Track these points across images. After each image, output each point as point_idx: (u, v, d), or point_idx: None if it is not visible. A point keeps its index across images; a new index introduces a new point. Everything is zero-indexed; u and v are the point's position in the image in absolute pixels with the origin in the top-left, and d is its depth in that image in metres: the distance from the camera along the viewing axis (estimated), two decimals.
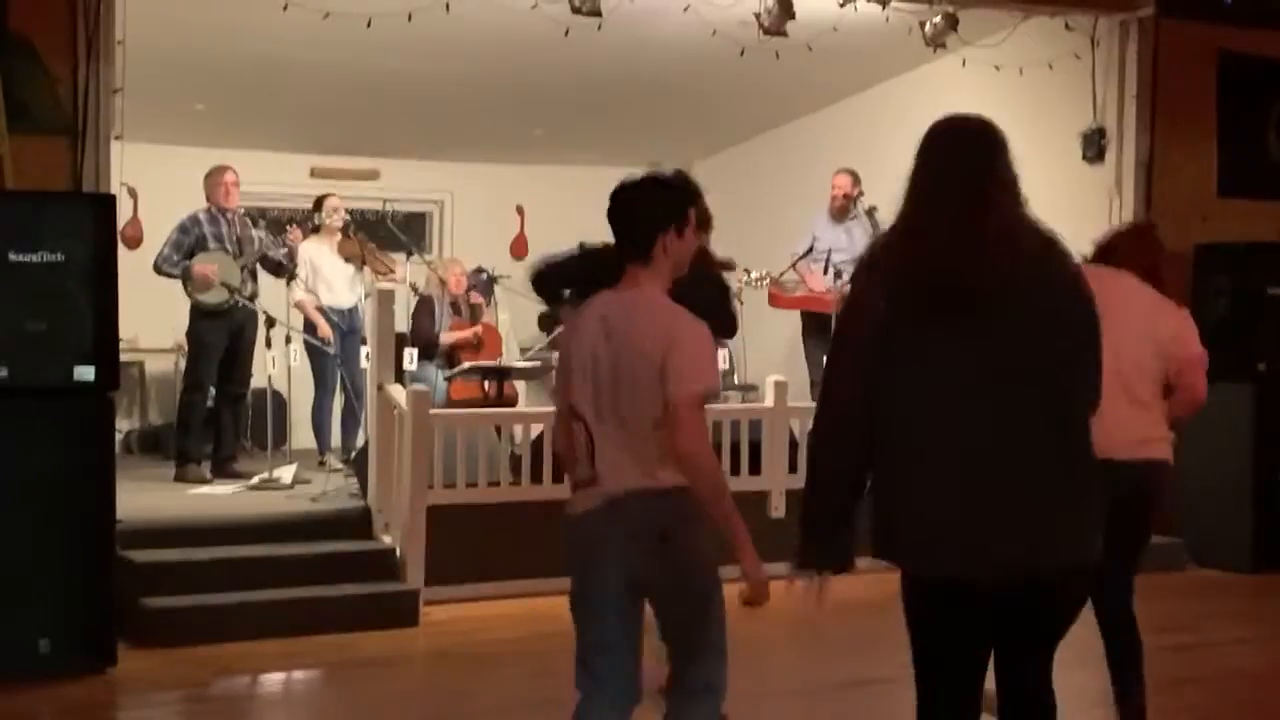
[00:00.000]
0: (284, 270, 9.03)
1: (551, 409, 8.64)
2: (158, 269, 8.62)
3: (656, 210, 3.75)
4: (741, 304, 10.00)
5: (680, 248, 3.75)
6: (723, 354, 9.87)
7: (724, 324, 6.19)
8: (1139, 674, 4.79)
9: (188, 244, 8.63)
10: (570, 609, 3.78)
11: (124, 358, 7.03)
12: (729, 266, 9.72)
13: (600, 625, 3.73)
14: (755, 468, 8.07)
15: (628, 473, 3.63)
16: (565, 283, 5.82)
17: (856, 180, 9.87)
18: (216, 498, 8.10)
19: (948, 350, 3.05)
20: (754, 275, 9.85)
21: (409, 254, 10.27)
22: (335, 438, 9.50)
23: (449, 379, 9.22)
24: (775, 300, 10.03)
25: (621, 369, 3.64)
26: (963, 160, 3.15)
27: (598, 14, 7.89)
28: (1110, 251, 5.07)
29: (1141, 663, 4.79)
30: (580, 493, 3.74)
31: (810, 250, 9.85)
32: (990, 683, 3.36)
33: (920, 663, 3.28)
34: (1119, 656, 4.82)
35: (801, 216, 10.20)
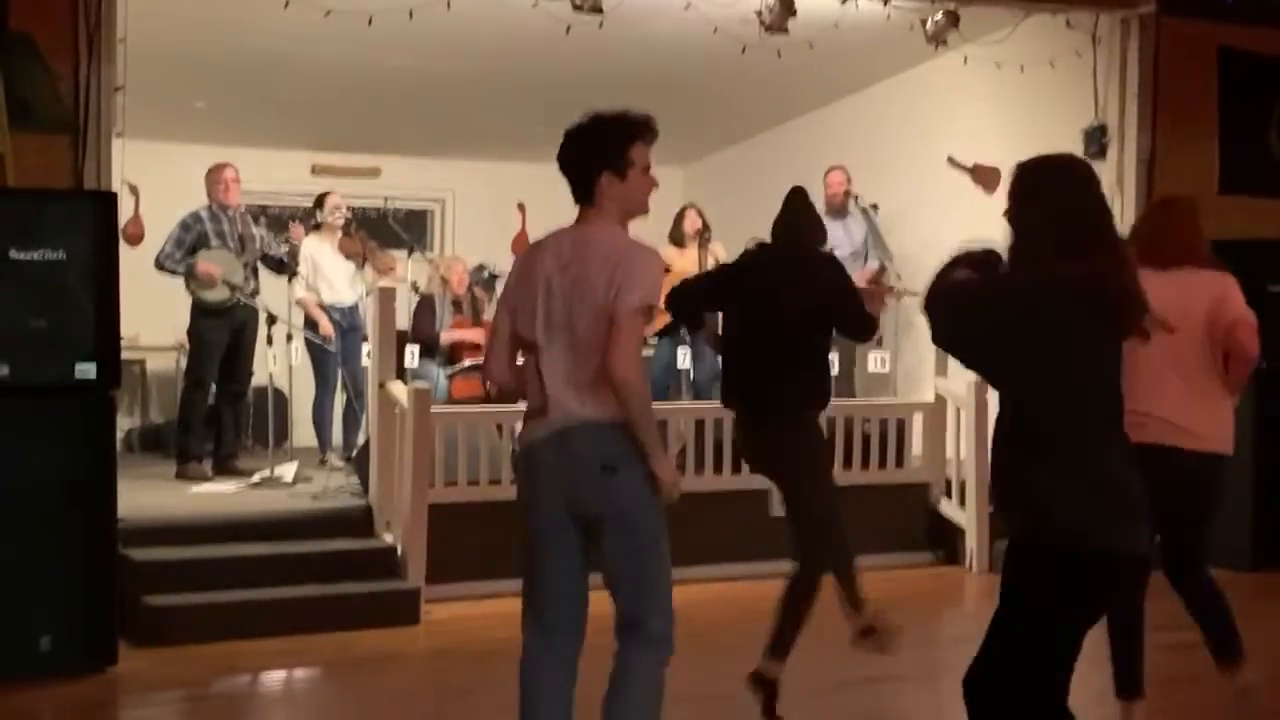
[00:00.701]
0: (285, 268, 9.03)
1: None
2: (160, 266, 8.62)
3: (591, 153, 3.79)
4: None
5: (623, 190, 3.78)
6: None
7: (861, 323, 5.51)
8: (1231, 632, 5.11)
9: (189, 241, 8.63)
10: (523, 548, 3.87)
11: (125, 356, 7.02)
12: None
13: (548, 564, 3.82)
14: None
15: (575, 403, 3.68)
16: (703, 303, 5.77)
17: (849, 176, 9.90)
18: (218, 496, 8.10)
19: (1111, 354, 3.43)
20: None
21: (410, 252, 10.27)
22: (336, 436, 9.50)
23: (450, 377, 9.22)
24: None
25: (573, 297, 3.69)
26: (1100, 197, 3.58)
27: (599, 11, 7.89)
28: (1149, 242, 5.12)
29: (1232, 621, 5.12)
30: (530, 423, 3.80)
31: None
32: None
33: (1060, 642, 3.36)
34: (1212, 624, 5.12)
35: None
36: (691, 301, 5.58)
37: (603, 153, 3.78)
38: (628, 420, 3.65)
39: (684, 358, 9.31)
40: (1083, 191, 3.52)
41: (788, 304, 5.22)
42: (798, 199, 5.86)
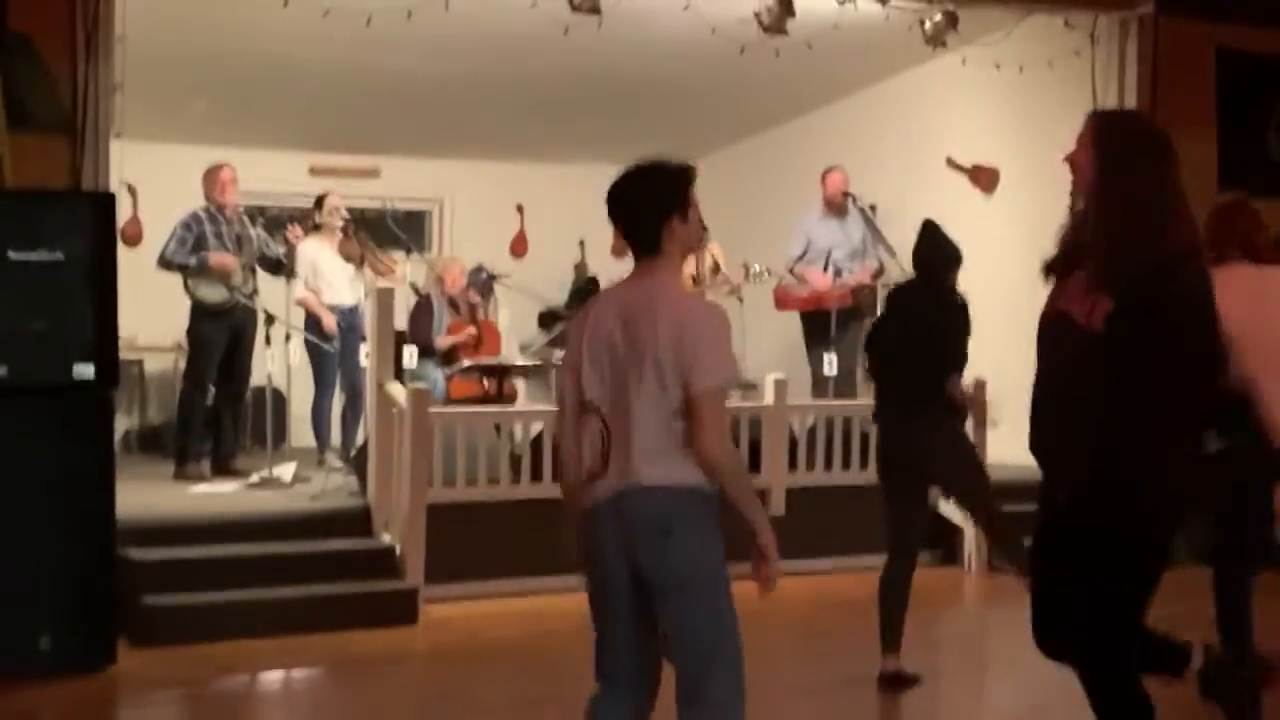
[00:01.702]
0: (282, 268, 9.03)
1: (552, 407, 8.69)
2: (168, 263, 8.60)
3: (656, 201, 3.73)
4: (741, 301, 10.04)
5: (686, 232, 3.75)
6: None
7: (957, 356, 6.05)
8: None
9: (192, 240, 8.62)
10: (589, 604, 3.80)
11: (124, 356, 7.02)
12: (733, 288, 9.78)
13: (610, 622, 3.74)
14: (755, 466, 8.07)
15: (635, 466, 3.61)
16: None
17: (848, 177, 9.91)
18: (216, 496, 8.10)
19: None
20: (755, 269, 9.83)
21: (409, 252, 10.26)
22: (335, 436, 9.50)
23: (449, 377, 9.22)
24: (782, 303, 10.04)
25: (636, 361, 3.62)
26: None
27: (597, 12, 7.89)
28: (1220, 241, 5.11)
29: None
30: (591, 485, 3.73)
31: (805, 253, 9.86)
32: None
33: (1139, 606, 3.70)
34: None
35: (798, 216, 10.19)
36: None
37: (670, 197, 3.74)
38: (696, 486, 3.60)
39: None
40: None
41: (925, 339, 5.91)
42: (931, 233, 6.41)
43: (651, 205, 3.73)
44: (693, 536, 3.62)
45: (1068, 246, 3.73)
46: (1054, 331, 3.68)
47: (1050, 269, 3.78)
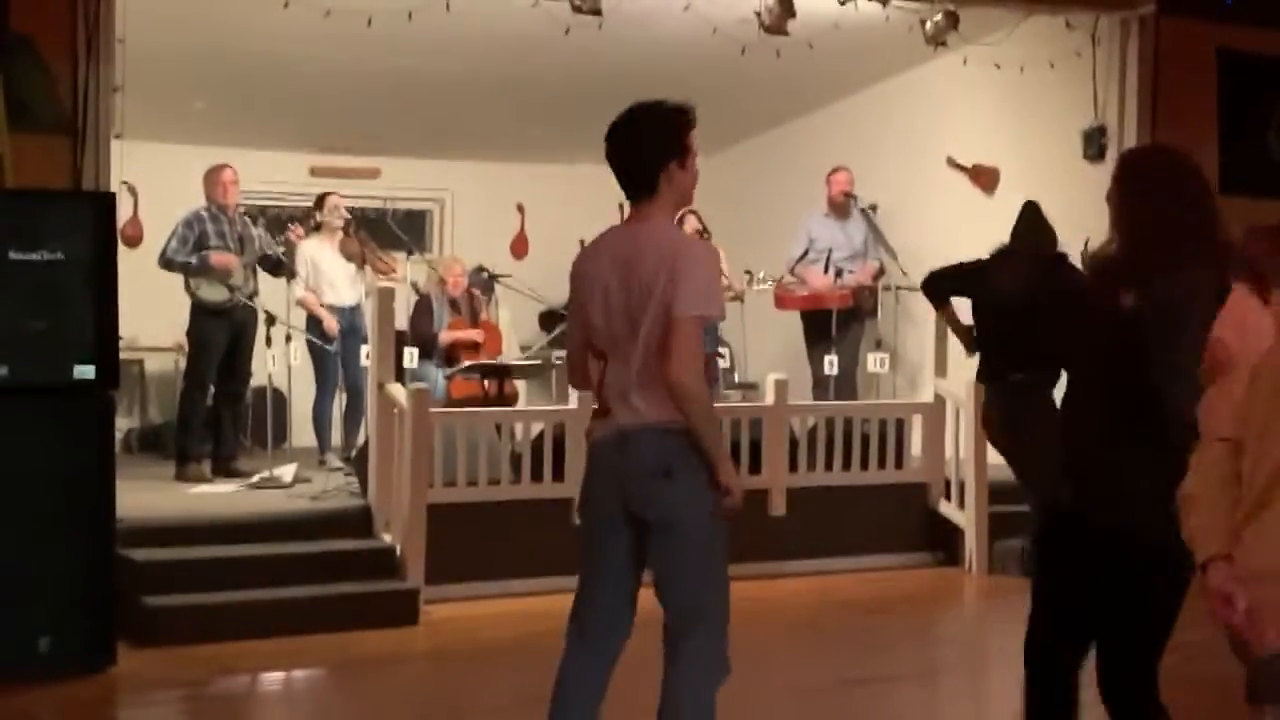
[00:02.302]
0: (282, 269, 9.02)
1: (553, 407, 8.69)
2: (168, 262, 8.59)
3: (656, 143, 3.73)
4: (742, 301, 10.04)
5: (684, 179, 3.74)
6: (724, 351, 9.91)
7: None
8: None
9: (193, 239, 8.62)
10: (579, 548, 3.82)
11: (124, 356, 7.02)
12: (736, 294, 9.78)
13: (596, 565, 3.75)
14: (755, 466, 8.07)
15: (637, 406, 3.64)
16: (957, 287, 7.34)
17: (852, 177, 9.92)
18: (217, 496, 8.10)
19: None
20: (759, 276, 9.84)
21: (409, 253, 10.26)
22: (336, 436, 9.50)
23: (449, 377, 9.22)
24: (782, 302, 10.04)
25: (631, 302, 3.63)
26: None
27: (598, 12, 7.89)
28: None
29: None
30: (596, 423, 3.77)
31: (806, 253, 9.86)
32: None
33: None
34: None
35: (802, 215, 10.20)
36: (941, 285, 7.47)
37: (669, 141, 3.71)
38: (688, 425, 3.61)
39: None
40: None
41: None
42: (1033, 213, 7.05)
43: (650, 147, 3.72)
44: (693, 480, 3.62)
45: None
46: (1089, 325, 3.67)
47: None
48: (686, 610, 3.66)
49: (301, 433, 9.46)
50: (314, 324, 9.30)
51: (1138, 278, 3.49)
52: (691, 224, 9.75)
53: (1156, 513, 3.23)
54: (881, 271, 9.98)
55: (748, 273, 9.84)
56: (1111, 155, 9.14)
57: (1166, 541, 3.16)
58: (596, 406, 3.81)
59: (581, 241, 12.80)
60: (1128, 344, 3.43)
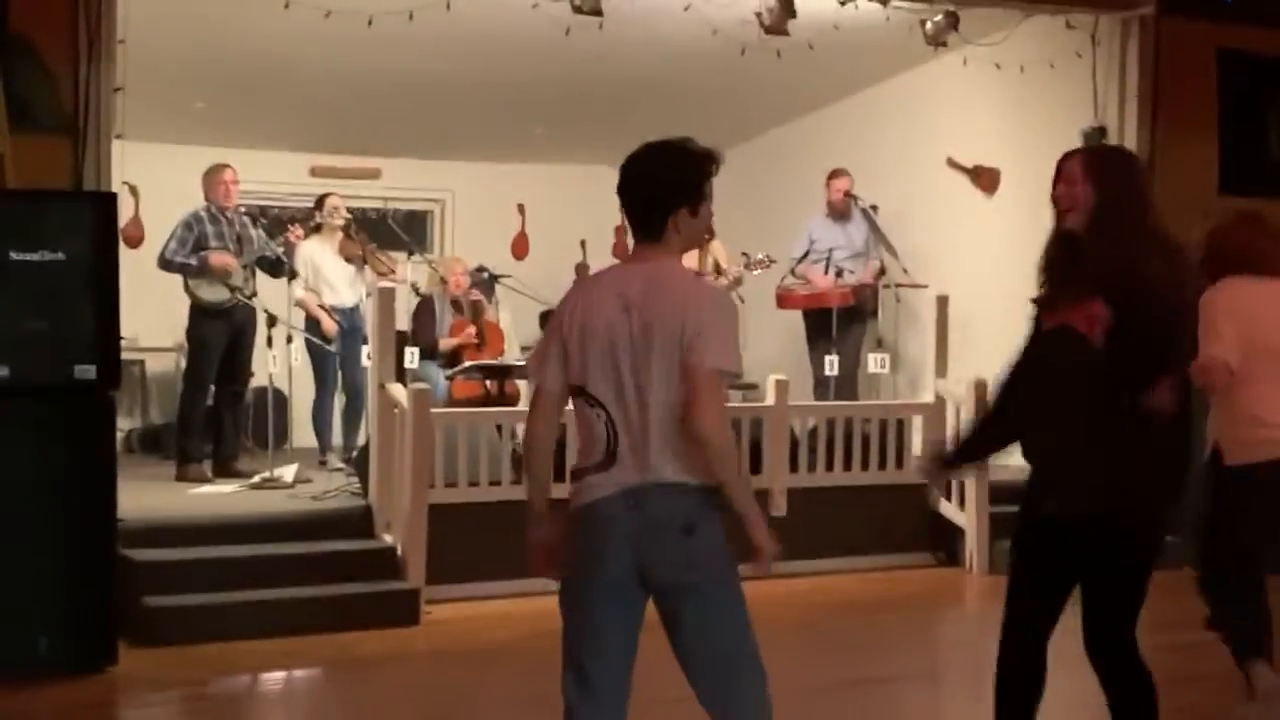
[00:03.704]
0: (281, 269, 9.02)
1: None
2: (167, 263, 8.60)
3: (668, 188, 3.49)
4: (742, 301, 10.04)
5: (693, 226, 3.52)
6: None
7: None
8: None
9: (192, 240, 8.62)
10: (563, 606, 3.58)
11: (125, 357, 7.01)
12: (736, 282, 9.74)
13: (600, 622, 3.49)
14: (756, 466, 8.07)
15: (652, 461, 3.41)
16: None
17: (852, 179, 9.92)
18: (217, 497, 8.10)
19: None
20: (757, 258, 9.79)
21: (410, 253, 10.27)
22: (336, 437, 9.50)
23: (450, 378, 9.22)
24: (783, 301, 10.04)
25: (645, 347, 3.40)
26: None
27: (599, 13, 7.89)
28: (1229, 256, 5.20)
29: None
30: (591, 478, 3.51)
31: (807, 253, 9.86)
32: None
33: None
34: None
35: (802, 215, 10.20)
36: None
37: (683, 187, 3.48)
38: (716, 481, 3.42)
39: None
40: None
41: None
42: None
43: (662, 192, 3.50)
44: (715, 534, 3.45)
45: (1055, 275, 3.78)
46: (1058, 342, 3.71)
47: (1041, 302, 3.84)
48: (730, 663, 3.48)
49: (302, 433, 9.47)
50: (314, 324, 9.30)
51: (1115, 288, 3.63)
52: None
53: (1132, 496, 3.66)
54: (883, 271, 9.99)
55: (744, 254, 9.81)
56: None
57: (1152, 519, 3.71)
58: (582, 460, 3.56)
59: (583, 243, 12.85)
60: (1102, 363, 3.61)
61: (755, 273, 9.85)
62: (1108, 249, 3.68)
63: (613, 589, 3.47)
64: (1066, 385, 3.68)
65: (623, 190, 3.54)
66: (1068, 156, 3.94)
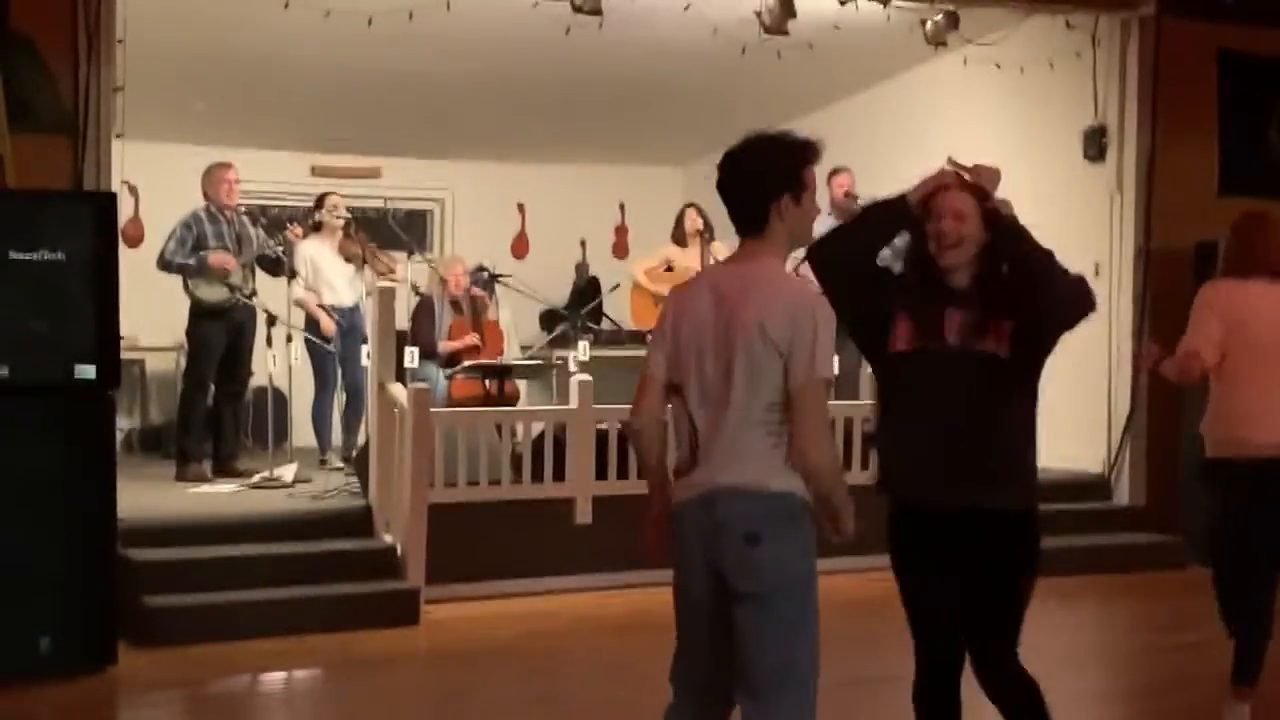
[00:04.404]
0: (280, 268, 9.02)
1: (554, 407, 8.68)
2: (167, 264, 8.59)
3: (767, 175, 3.41)
4: None
5: (799, 216, 3.44)
6: None
7: None
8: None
9: (191, 240, 8.62)
10: (674, 603, 3.55)
11: (124, 356, 7.02)
12: None
13: (689, 626, 3.49)
14: None
15: (726, 466, 3.36)
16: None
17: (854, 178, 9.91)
18: (217, 496, 8.10)
19: None
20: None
21: (410, 253, 10.27)
22: (336, 436, 9.50)
23: (450, 377, 9.22)
24: None
25: (730, 348, 3.35)
26: None
27: (598, 12, 7.89)
28: (1243, 255, 5.20)
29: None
30: (680, 482, 3.48)
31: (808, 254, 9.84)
32: None
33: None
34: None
35: None
36: None
37: (784, 173, 3.41)
38: (802, 488, 3.37)
39: None
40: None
41: None
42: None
43: (761, 180, 3.41)
44: (784, 546, 3.38)
45: (925, 283, 3.74)
46: (935, 362, 3.70)
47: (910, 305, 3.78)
48: (771, 682, 3.42)
49: (302, 433, 9.46)
50: (314, 324, 9.29)
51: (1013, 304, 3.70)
52: (694, 220, 9.75)
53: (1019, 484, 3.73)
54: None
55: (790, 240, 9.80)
56: (1112, 156, 9.16)
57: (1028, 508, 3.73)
58: (678, 461, 3.51)
59: (583, 242, 12.83)
60: (1006, 369, 3.68)
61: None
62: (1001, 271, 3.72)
63: (694, 593, 3.46)
64: (959, 401, 3.69)
65: (722, 186, 3.48)
66: (951, 191, 3.84)
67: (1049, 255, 3.67)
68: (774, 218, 3.41)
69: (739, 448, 3.36)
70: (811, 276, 3.85)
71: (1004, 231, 3.71)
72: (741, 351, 3.34)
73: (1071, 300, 3.67)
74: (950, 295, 3.69)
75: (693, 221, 9.77)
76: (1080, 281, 3.71)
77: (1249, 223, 5.28)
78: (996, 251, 3.69)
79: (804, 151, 3.46)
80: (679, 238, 9.80)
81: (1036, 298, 3.62)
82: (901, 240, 3.87)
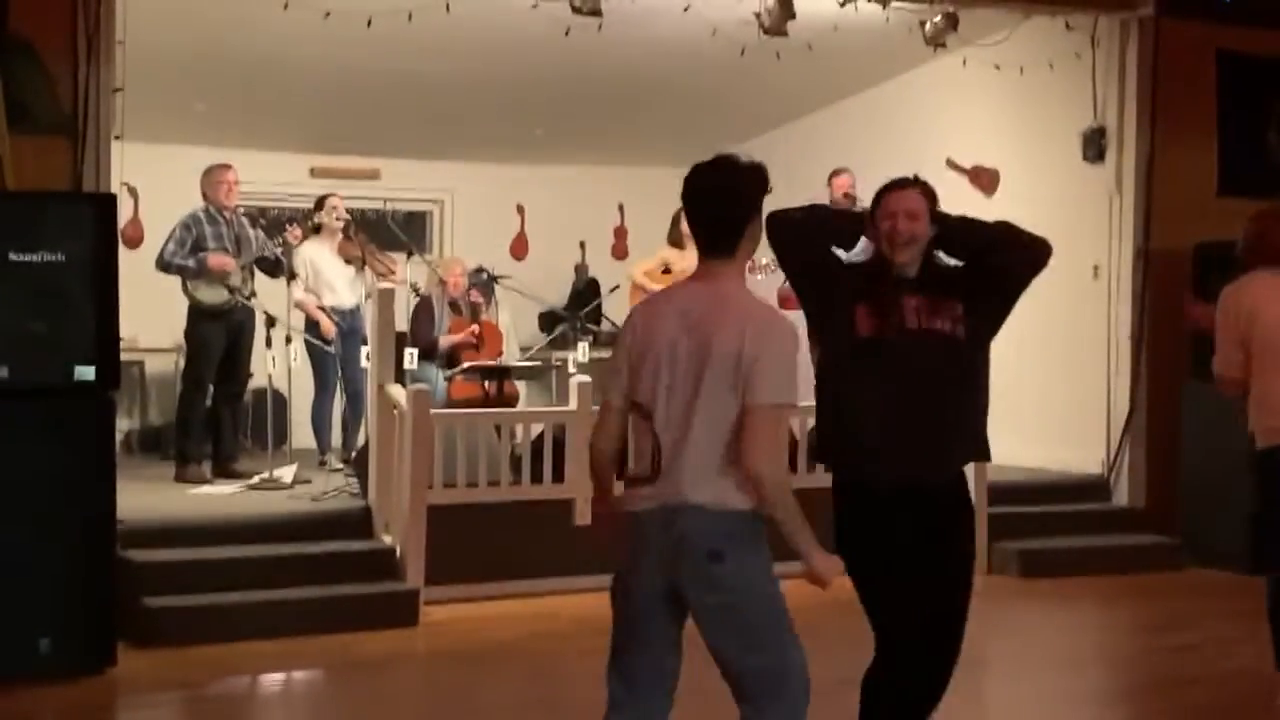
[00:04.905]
0: (280, 270, 9.02)
1: (553, 409, 8.68)
2: (165, 265, 8.59)
3: (743, 200, 3.52)
4: None
5: (755, 235, 3.58)
6: None
7: None
8: None
9: (190, 241, 8.62)
10: (611, 601, 3.58)
11: (124, 357, 7.02)
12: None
13: (641, 624, 3.52)
14: None
15: (690, 483, 3.40)
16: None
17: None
18: (217, 498, 8.10)
19: None
20: (761, 263, 9.78)
21: (409, 254, 10.27)
22: (336, 438, 9.50)
23: (449, 378, 9.22)
24: (785, 302, 10.01)
25: (698, 367, 3.40)
26: None
27: (598, 14, 7.89)
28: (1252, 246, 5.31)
29: None
30: (636, 490, 3.51)
31: None
32: None
33: None
34: None
35: None
36: None
37: (756, 199, 3.54)
38: (754, 509, 3.40)
39: None
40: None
41: None
42: None
43: (739, 204, 3.52)
44: (747, 562, 3.41)
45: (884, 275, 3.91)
46: (908, 347, 3.85)
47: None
48: (758, 695, 3.47)
49: (301, 434, 9.47)
50: (313, 325, 9.29)
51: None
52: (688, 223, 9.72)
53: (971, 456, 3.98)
54: None
55: (750, 260, 9.80)
56: (1111, 156, 9.16)
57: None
58: (633, 469, 3.55)
59: (582, 244, 12.81)
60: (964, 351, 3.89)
61: (759, 278, 9.83)
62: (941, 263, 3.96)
63: (643, 601, 3.50)
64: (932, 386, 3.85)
65: (699, 205, 3.57)
66: (903, 191, 3.95)
67: (1006, 224, 4.00)
68: (741, 242, 3.53)
69: (703, 467, 3.40)
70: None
71: (954, 227, 3.92)
72: (710, 374, 3.39)
73: (1033, 245, 3.95)
74: (904, 284, 3.87)
75: (687, 227, 9.73)
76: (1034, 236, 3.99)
77: (1264, 214, 5.38)
78: (942, 242, 3.92)
79: (763, 174, 3.61)
80: (675, 239, 9.79)
81: (1009, 255, 3.90)
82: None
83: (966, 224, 3.96)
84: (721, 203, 3.53)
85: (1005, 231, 3.97)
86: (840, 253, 3.99)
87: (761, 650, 3.45)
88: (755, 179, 3.57)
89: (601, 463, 3.64)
